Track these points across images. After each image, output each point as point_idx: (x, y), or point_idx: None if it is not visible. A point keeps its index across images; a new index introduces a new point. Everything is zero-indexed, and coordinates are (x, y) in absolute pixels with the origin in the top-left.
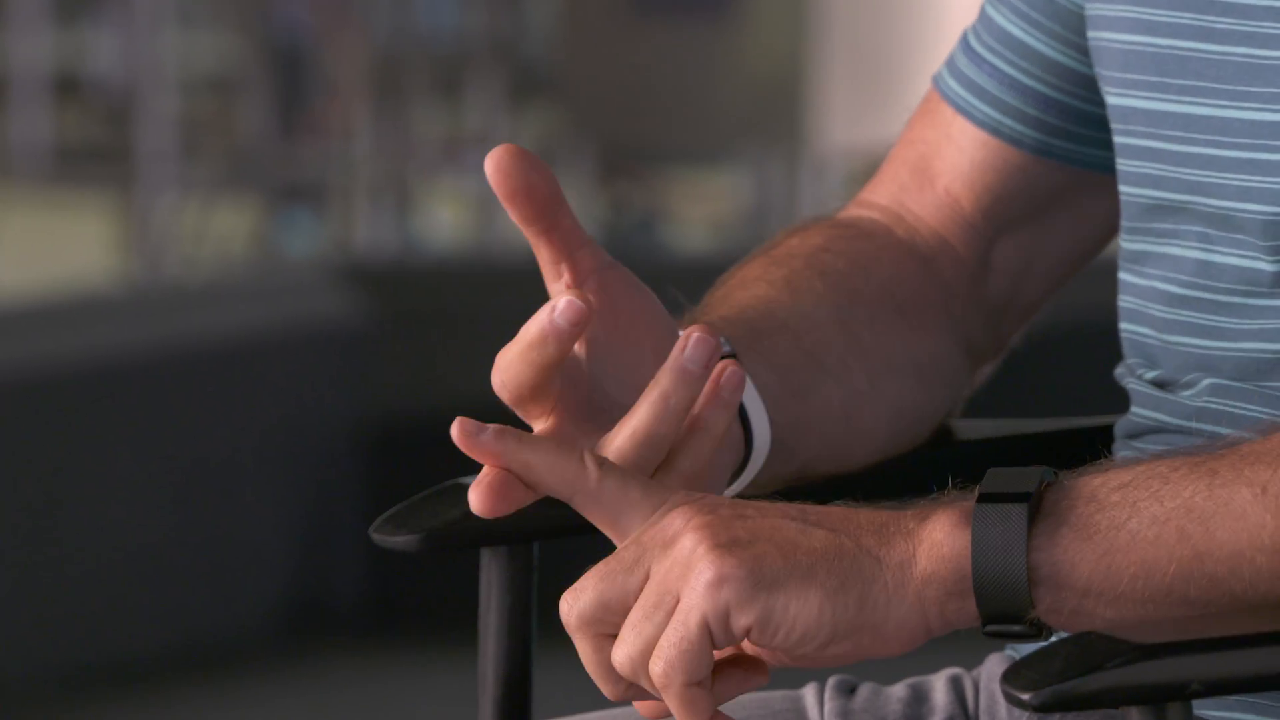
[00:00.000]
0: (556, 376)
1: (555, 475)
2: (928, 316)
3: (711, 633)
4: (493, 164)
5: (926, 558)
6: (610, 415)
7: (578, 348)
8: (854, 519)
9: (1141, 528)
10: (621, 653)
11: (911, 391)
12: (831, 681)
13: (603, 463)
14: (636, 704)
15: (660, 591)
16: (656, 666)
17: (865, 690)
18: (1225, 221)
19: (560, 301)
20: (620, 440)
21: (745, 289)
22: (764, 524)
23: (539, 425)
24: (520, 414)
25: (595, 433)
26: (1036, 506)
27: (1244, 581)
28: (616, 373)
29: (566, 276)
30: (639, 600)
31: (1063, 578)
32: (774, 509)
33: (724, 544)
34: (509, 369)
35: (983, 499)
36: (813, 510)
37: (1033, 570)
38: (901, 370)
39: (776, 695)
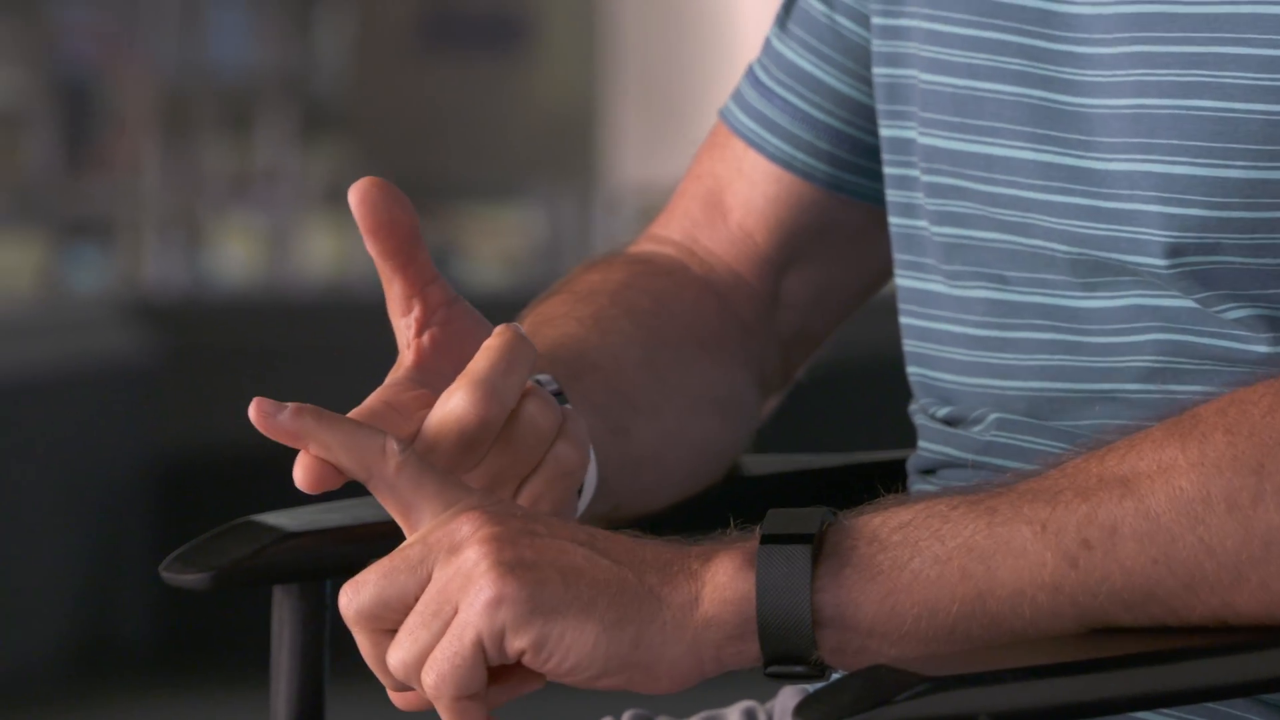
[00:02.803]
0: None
1: (353, 457)
2: (727, 352)
3: (486, 651)
4: (357, 197)
5: (709, 601)
6: None
7: (419, 378)
8: (640, 553)
9: (924, 567)
10: (396, 657)
11: (715, 429)
12: (627, 715)
13: (403, 449)
14: (392, 694)
15: (439, 600)
16: (429, 677)
17: None
18: (1032, 260)
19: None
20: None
21: (553, 327)
22: (551, 545)
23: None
24: None
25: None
26: (819, 547)
27: (1024, 620)
28: None
29: (416, 311)
30: (418, 605)
31: (848, 618)
32: (563, 529)
33: (507, 562)
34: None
35: (766, 540)
36: (601, 537)
37: (817, 611)
38: (705, 408)
39: None
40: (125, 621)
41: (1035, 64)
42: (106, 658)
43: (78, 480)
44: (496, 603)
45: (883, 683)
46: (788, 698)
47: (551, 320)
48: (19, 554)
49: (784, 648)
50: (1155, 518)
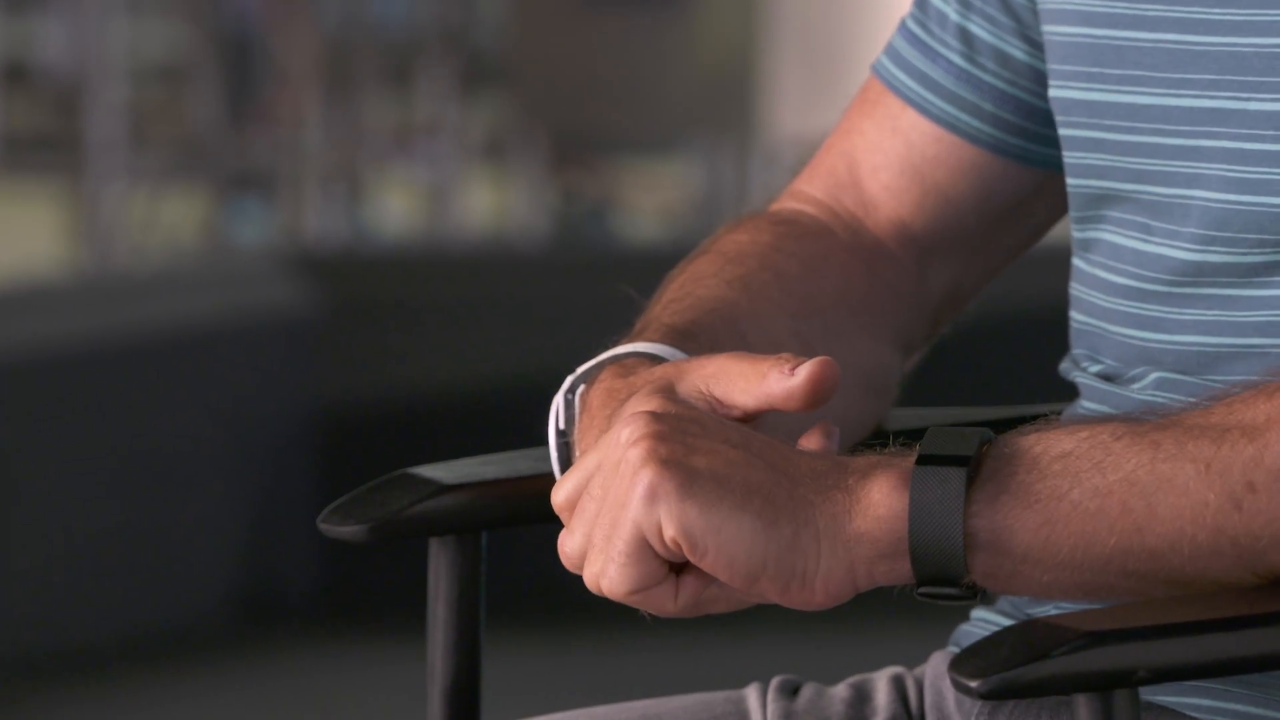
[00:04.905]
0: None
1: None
2: (874, 318)
3: (649, 544)
4: (813, 377)
5: (861, 516)
6: None
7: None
8: (795, 462)
9: (1084, 499)
10: (564, 547)
11: (858, 402)
12: (774, 682)
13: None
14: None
15: (600, 500)
16: (595, 566)
17: (808, 691)
18: (1169, 211)
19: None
20: None
21: (704, 287)
22: (707, 446)
23: None
24: None
25: None
26: (975, 470)
27: (1183, 557)
28: None
29: (740, 415)
30: (583, 504)
31: (1002, 543)
32: (719, 430)
33: (663, 458)
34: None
35: (922, 460)
36: (756, 441)
37: (972, 535)
38: (851, 382)
39: (719, 697)
40: (287, 574)
41: (1168, 7)
42: (268, 609)
43: (239, 433)
44: (652, 495)
45: (1038, 637)
46: (938, 662)
47: (702, 279)
48: (183, 507)
49: (935, 569)
50: None
